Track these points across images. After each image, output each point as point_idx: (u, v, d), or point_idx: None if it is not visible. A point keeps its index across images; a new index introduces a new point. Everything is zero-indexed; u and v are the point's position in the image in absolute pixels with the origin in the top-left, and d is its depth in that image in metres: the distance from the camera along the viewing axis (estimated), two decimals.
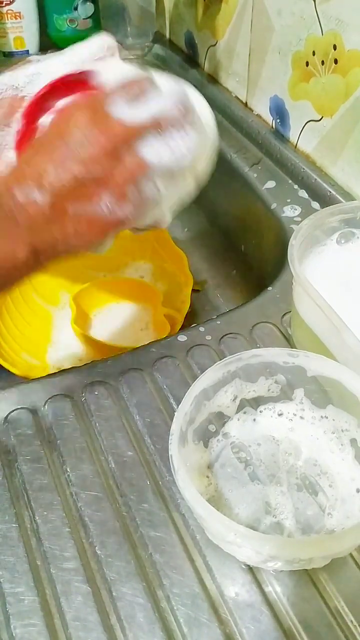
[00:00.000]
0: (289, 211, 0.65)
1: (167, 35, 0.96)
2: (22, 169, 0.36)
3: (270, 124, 0.74)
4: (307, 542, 0.35)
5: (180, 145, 0.38)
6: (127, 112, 0.37)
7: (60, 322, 0.72)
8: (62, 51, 0.43)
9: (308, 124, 0.67)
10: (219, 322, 0.53)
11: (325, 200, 0.64)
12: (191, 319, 0.73)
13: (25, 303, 0.72)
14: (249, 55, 0.74)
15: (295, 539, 0.35)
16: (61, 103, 0.41)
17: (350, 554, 0.37)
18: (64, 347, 0.70)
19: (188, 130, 0.38)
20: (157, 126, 0.37)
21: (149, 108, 0.37)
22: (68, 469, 0.42)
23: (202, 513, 0.37)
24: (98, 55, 0.42)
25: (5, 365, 0.61)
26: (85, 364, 0.49)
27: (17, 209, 0.35)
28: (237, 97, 0.80)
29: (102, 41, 0.43)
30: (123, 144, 0.37)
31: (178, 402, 0.41)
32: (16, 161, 0.40)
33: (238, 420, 0.45)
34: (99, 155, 0.36)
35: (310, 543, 0.35)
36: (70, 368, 0.49)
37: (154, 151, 0.37)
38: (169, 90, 0.39)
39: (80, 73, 0.41)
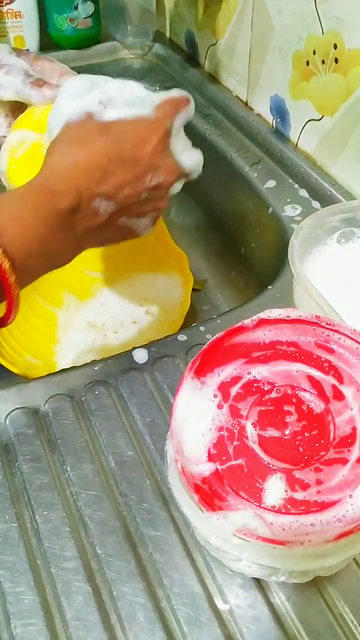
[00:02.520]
0: (290, 210, 0.65)
1: (168, 35, 0.96)
2: (105, 177, 0.40)
3: (271, 123, 0.74)
4: (284, 552, 0.34)
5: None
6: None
7: (66, 322, 0.72)
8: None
9: (309, 123, 0.67)
10: (219, 322, 0.53)
11: (326, 200, 0.64)
12: (191, 318, 0.73)
13: (28, 306, 0.72)
14: (250, 54, 0.74)
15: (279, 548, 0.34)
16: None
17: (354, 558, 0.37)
18: (71, 347, 0.70)
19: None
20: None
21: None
22: (68, 469, 0.42)
23: (187, 511, 0.37)
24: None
25: (9, 366, 0.61)
26: (85, 364, 0.49)
27: (87, 216, 0.40)
28: (237, 97, 0.80)
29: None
30: (173, 183, 0.45)
31: None
32: (98, 162, 0.41)
33: None
34: (159, 187, 0.43)
35: (291, 553, 0.34)
36: (70, 368, 0.49)
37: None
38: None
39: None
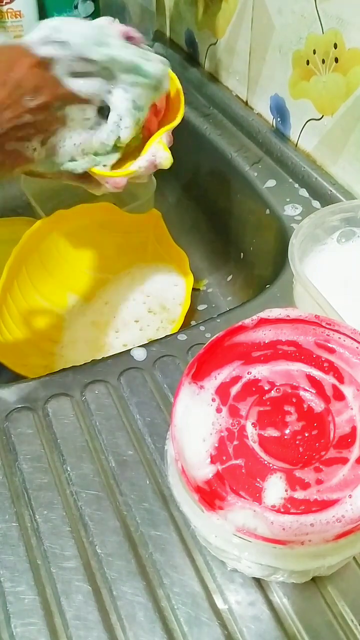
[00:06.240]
0: (290, 210, 0.65)
1: (168, 34, 0.96)
2: None
3: (271, 122, 0.74)
4: (285, 551, 0.34)
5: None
6: (70, 81, 0.43)
7: (70, 323, 0.73)
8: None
9: (309, 122, 0.67)
10: (219, 321, 0.53)
11: (326, 199, 0.64)
12: (191, 318, 0.73)
13: (29, 307, 0.72)
14: (250, 53, 0.73)
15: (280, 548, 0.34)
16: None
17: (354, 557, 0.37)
18: (72, 346, 0.70)
19: None
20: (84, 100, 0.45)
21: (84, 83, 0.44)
22: (68, 468, 0.42)
23: (187, 511, 0.37)
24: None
25: (9, 366, 0.61)
26: (85, 363, 0.49)
27: None
28: (237, 96, 0.80)
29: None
30: (61, 100, 0.43)
31: None
32: None
33: None
34: (42, 107, 0.42)
35: (290, 552, 0.34)
36: (70, 367, 0.49)
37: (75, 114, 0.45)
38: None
39: None
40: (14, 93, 0.42)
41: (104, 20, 0.50)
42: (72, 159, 0.46)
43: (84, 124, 0.46)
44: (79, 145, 0.46)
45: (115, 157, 0.48)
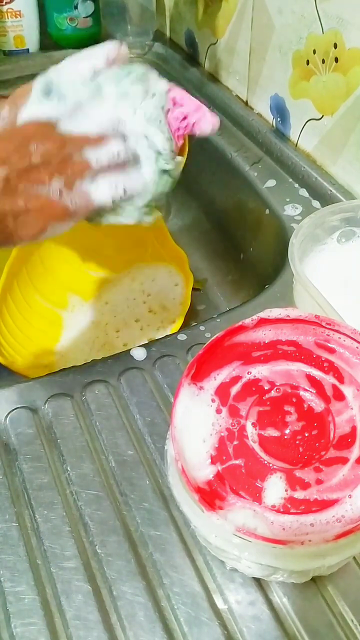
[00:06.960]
0: (290, 210, 0.65)
1: (168, 34, 0.96)
2: None
3: (271, 122, 0.74)
4: (283, 551, 0.34)
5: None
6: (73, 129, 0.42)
7: (71, 323, 0.73)
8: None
9: (309, 122, 0.67)
10: (219, 321, 0.53)
11: (326, 199, 0.64)
12: (191, 317, 0.73)
13: (29, 307, 0.72)
14: (250, 53, 0.74)
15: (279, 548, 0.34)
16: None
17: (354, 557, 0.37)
18: (73, 346, 0.70)
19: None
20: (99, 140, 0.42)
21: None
22: (68, 468, 0.42)
23: (187, 511, 0.37)
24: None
25: (9, 366, 0.61)
26: (85, 363, 0.49)
27: None
28: (237, 96, 0.80)
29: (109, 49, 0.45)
30: (72, 145, 0.41)
31: None
32: None
33: None
34: (52, 149, 0.40)
35: (288, 553, 0.34)
36: (70, 367, 0.49)
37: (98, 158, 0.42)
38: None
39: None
40: (21, 142, 0.40)
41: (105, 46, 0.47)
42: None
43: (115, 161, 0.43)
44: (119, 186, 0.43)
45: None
